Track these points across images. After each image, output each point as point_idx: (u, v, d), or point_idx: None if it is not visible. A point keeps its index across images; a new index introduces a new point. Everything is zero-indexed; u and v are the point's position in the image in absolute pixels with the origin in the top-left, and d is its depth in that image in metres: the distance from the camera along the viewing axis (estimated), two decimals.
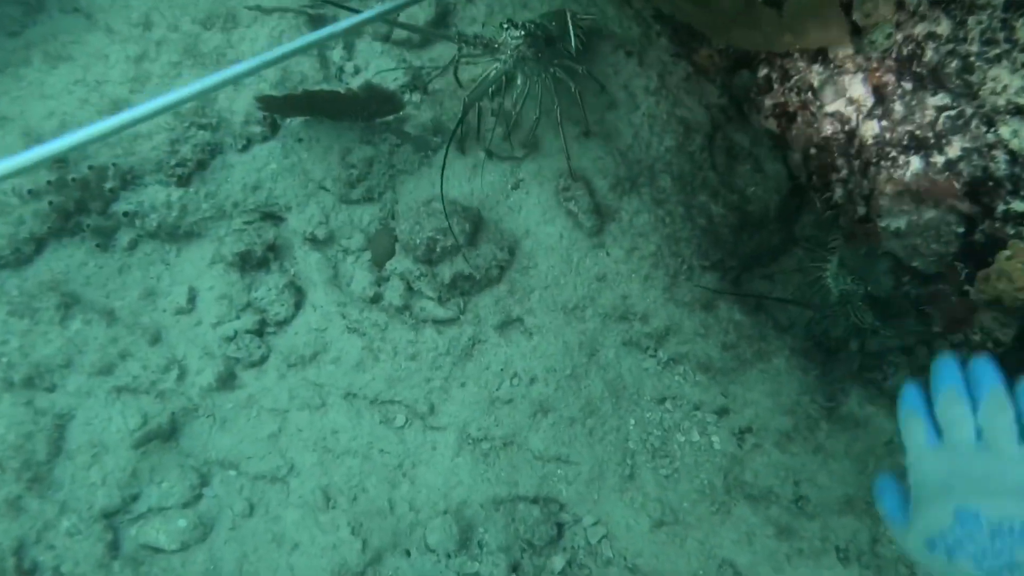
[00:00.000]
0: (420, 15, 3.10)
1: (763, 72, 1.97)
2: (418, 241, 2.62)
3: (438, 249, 2.63)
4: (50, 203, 2.61)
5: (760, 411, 2.64)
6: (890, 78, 1.63)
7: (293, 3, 3.11)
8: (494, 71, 2.66)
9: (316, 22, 3.12)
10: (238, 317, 2.70)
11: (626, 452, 2.66)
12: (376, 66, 3.06)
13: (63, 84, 2.84)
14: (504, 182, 2.89)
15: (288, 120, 2.91)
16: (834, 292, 2.61)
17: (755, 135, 3.12)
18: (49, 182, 2.60)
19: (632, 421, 2.69)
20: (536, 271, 2.75)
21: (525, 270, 2.75)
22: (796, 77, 1.86)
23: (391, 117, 2.87)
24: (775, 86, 1.95)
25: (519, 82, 2.71)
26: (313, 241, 2.81)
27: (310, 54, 3.05)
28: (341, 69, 3.09)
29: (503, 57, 2.64)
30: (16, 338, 2.50)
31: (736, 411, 2.67)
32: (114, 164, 2.68)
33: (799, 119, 1.92)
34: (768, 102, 2.00)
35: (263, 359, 2.66)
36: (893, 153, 1.66)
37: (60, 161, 2.63)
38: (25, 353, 2.49)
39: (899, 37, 1.56)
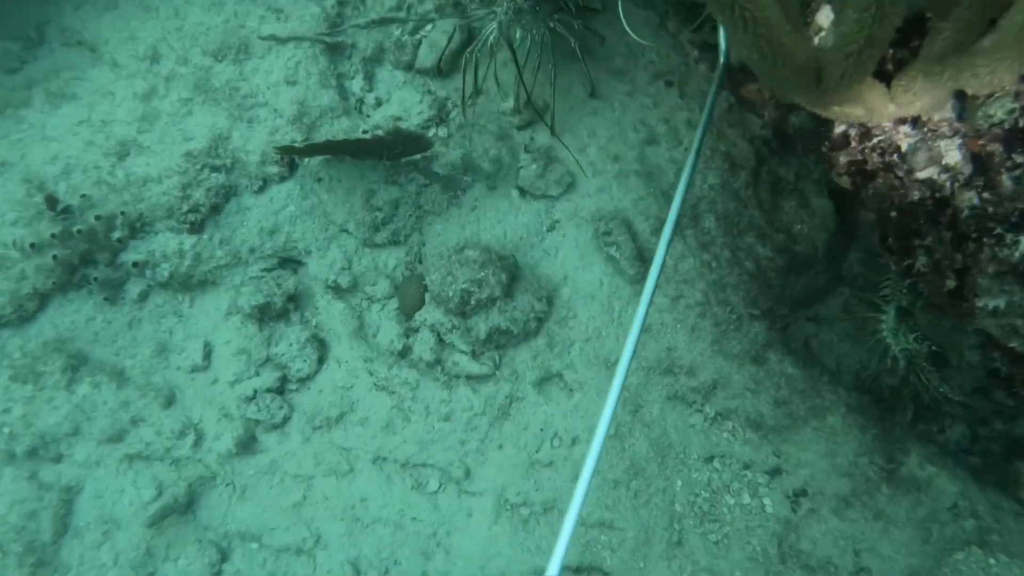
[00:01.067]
0: (444, 44, 2.92)
1: (840, 129, 1.80)
2: (451, 293, 2.44)
3: (472, 301, 2.45)
4: (54, 257, 2.42)
5: (816, 472, 2.48)
6: (997, 148, 1.46)
7: (309, 31, 2.92)
8: (493, 28, 2.53)
9: (333, 51, 2.93)
10: (257, 374, 2.53)
11: (673, 516, 2.50)
12: (399, 98, 2.88)
13: (67, 125, 2.65)
14: (539, 223, 2.72)
15: (307, 159, 2.73)
16: (894, 350, 2.45)
17: (800, 168, 2.95)
18: (53, 235, 2.42)
19: (679, 482, 2.52)
20: (576, 322, 2.58)
21: (564, 321, 2.58)
22: (880, 137, 1.70)
23: (418, 156, 2.69)
24: (853, 143, 1.78)
25: (518, 36, 2.57)
26: (336, 289, 2.63)
27: (328, 85, 2.86)
28: (361, 101, 2.90)
29: (500, 10, 2.51)
30: (19, 406, 2.33)
31: (790, 472, 2.51)
32: (122, 212, 2.50)
33: (880, 180, 1.75)
34: (844, 159, 1.84)
35: (285, 420, 2.49)
36: (998, 230, 1.50)
37: (64, 213, 2.45)
38: (29, 422, 2.32)
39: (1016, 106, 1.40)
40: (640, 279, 2.63)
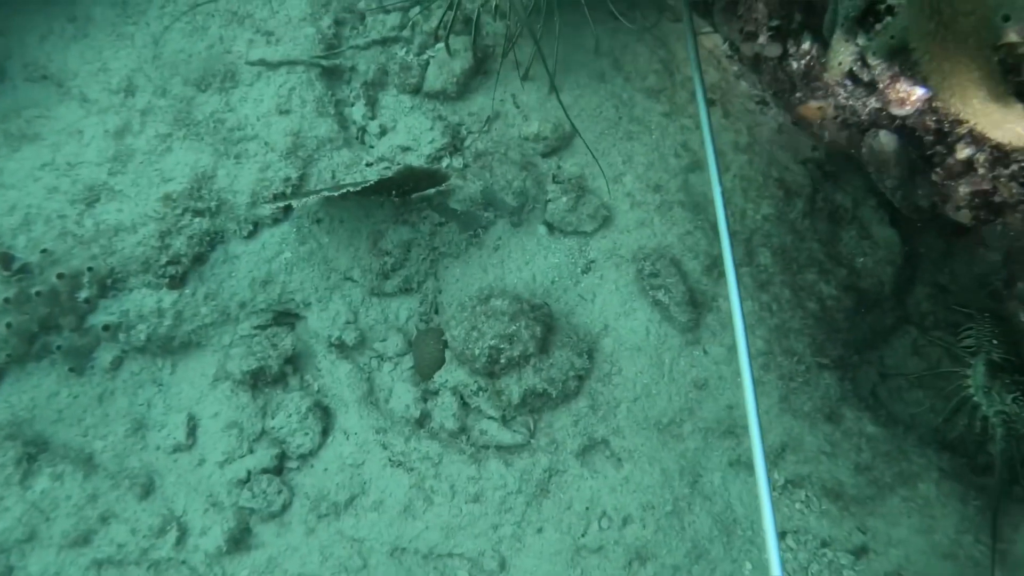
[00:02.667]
0: (456, 65, 2.60)
1: (964, 153, 1.47)
2: (477, 351, 2.09)
3: (503, 360, 2.10)
4: (8, 325, 2.06)
5: (911, 553, 2.11)
6: None
7: (303, 54, 2.59)
8: None
9: (331, 75, 2.60)
10: (251, 451, 2.16)
11: None
12: (406, 125, 2.55)
13: (27, 169, 2.30)
14: (572, 264, 2.37)
15: (302, 200, 2.39)
16: (986, 411, 2.10)
17: (856, 193, 2.63)
18: (7, 299, 2.05)
19: (748, 565, 2.15)
20: (621, 379, 2.22)
21: (608, 378, 2.22)
22: (1021, 164, 1.36)
23: (432, 191, 2.36)
24: (980, 170, 1.45)
25: None
26: (340, 347, 2.27)
27: (326, 113, 2.52)
28: (364, 129, 2.57)
29: None
30: None
31: (879, 552, 2.14)
32: (90, 268, 2.14)
33: (1017, 215, 1.42)
34: (965, 189, 1.51)
35: (285, 507, 2.11)
36: None
37: (20, 272, 2.09)
38: None
39: None
40: (694, 326, 2.28)
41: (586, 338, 2.25)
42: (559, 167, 2.47)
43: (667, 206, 2.42)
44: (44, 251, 2.16)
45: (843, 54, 1.65)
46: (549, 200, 2.39)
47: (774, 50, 2.30)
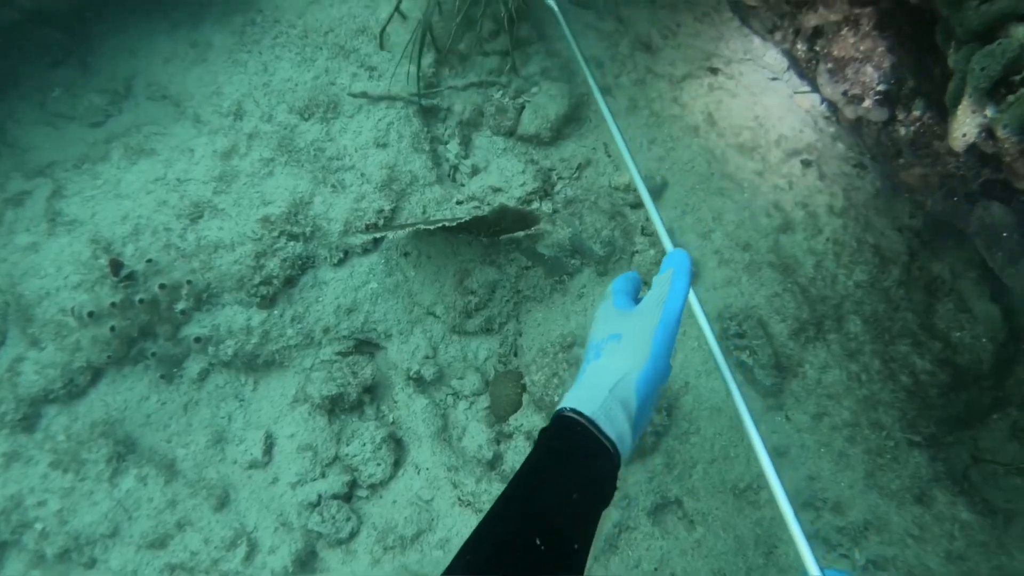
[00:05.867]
0: (551, 110, 2.64)
1: None
2: (556, 398, 2.07)
3: None
4: (112, 328, 2.16)
5: None
6: None
7: (403, 91, 2.68)
8: None
9: (428, 113, 2.68)
10: (323, 475, 2.18)
11: None
12: (498, 167, 2.59)
13: (141, 182, 2.42)
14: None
15: (393, 232, 2.44)
16: None
17: (957, 264, 2.53)
18: (113, 304, 2.15)
19: None
20: (699, 438, 2.17)
21: (685, 437, 2.17)
22: None
23: (521, 233, 2.38)
24: None
25: None
26: (418, 381, 2.29)
27: (421, 149, 2.59)
28: (456, 168, 2.62)
29: None
30: (56, 499, 2.02)
31: None
32: (188, 281, 2.23)
33: None
34: None
35: (352, 535, 2.12)
36: None
37: (127, 279, 2.19)
38: (64, 519, 2.00)
39: None
40: (777, 391, 2.22)
41: (666, 394, 2.21)
42: (647, 219, 2.46)
43: (756, 266, 2.37)
44: (149, 261, 2.26)
45: (968, 125, 1.61)
46: (636, 251, 2.38)
47: (880, 114, 2.26)
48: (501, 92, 2.73)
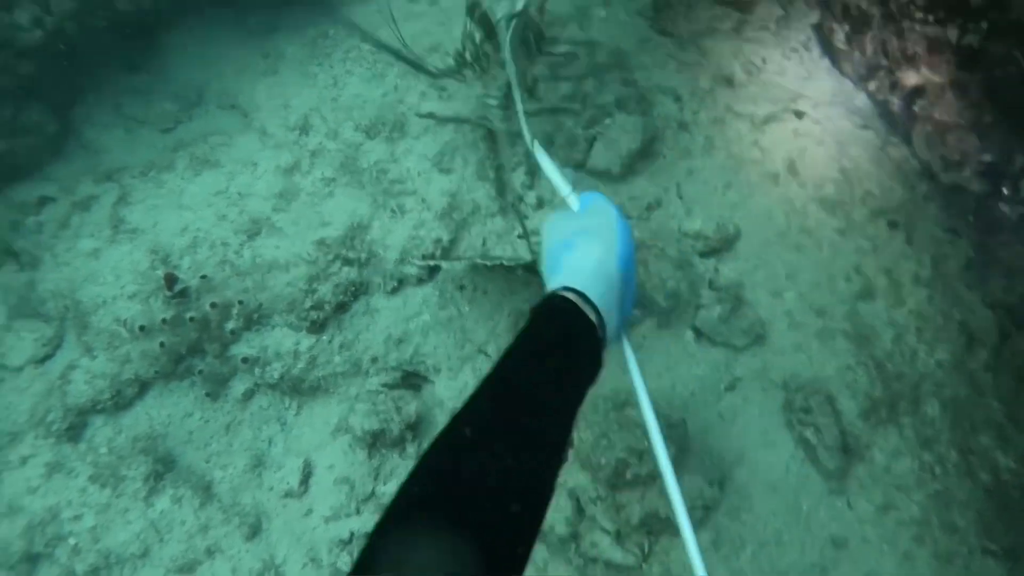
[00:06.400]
0: (623, 144, 2.52)
1: None
2: (603, 461, 1.97)
3: (629, 475, 1.97)
4: (162, 344, 2.15)
5: None
6: None
7: (472, 113, 2.60)
8: None
9: (495, 138, 2.59)
10: (358, 512, 2.13)
11: None
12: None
13: (204, 195, 2.41)
14: (716, 378, 2.22)
15: (451, 262, 2.37)
16: None
17: None
18: (164, 320, 2.14)
19: None
20: (751, 516, 2.04)
21: (736, 513, 2.05)
22: None
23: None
24: None
25: None
26: None
27: (485, 177, 2.51)
28: (520, 199, 2.53)
29: None
30: (92, 514, 2.02)
31: None
32: (240, 302, 2.20)
33: None
34: None
35: None
36: None
37: (180, 296, 2.18)
38: (97, 536, 2.00)
39: None
40: (841, 474, 2.07)
41: (719, 464, 2.08)
42: (717, 270, 2.33)
43: (829, 334, 2.22)
44: (203, 277, 2.24)
45: None
46: (701, 306, 2.25)
47: (982, 186, 2.08)
48: (574, 121, 2.62)
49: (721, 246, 2.37)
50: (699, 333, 2.27)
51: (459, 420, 0.80)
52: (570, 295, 0.96)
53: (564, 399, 0.90)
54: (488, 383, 0.87)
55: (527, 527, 0.76)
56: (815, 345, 2.21)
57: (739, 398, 2.18)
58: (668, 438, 1.98)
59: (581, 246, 1.05)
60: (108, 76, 2.85)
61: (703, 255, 2.37)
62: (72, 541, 1.99)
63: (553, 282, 1.01)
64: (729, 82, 2.74)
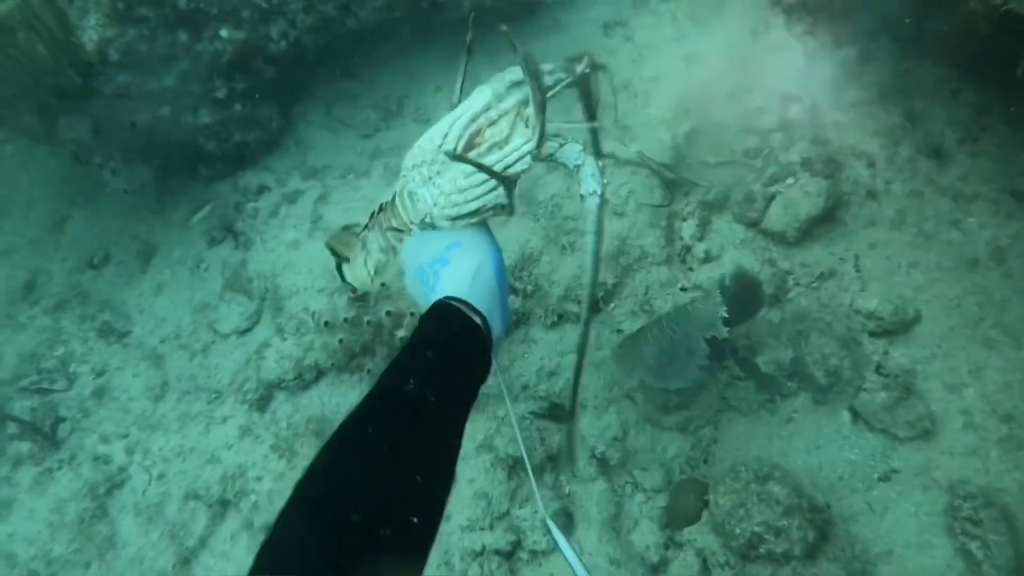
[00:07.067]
0: (803, 207, 2.45)
1: None
2: (738, 531, 1.95)
3: (761, 550, 1.94)
4: (340, 340, 2.38)
5: None
6: None
7: (652, 158, 2.62)
8: None
9: (670, 185, 2.60)
10: (491, 528, 2.25)
11: None
12: (733, 259, 2.47)
13: None
14: (870, 465, 2.12)
15: (611, 305, 2.43)
16: None
17: None
18: (346, 319, 2.38)
19: None
20: None
21: None
22: None
23: (743, 327, 2.25)
24: None
25: None
26: (601, 462, 2.27)
27: (656, 225, 2.54)
28: (688, 249, 2.53)
29: None
30: (269, 479, 2.30)
31: None
32: (411, 313, 2.39)
33: None
34: None
35: None
36: None
37: (360, 299, 2.40)
38: (272, 500, 2.27)
39: None
40: None
41: (863, 556, 1.99)
42: (887, 353, 2.22)
43: (1014, 443, 2.05)
44: (383, 285, 2.46)
45: None
46: (864, 388, 2.15)
47: None
48: (754, 176, 2.58)
49: (896, 329, 2.24)
50: (857, 415, 2.18)
51: (358, 413, 0.87)
52: (454, 302, 1.03)
53: (457, 398, 0.97)
54: (383, 382, 0.93)
55: (421, 524, 0.84)
56: (995, 453, 2.05)
57: (894, 491, 2.07)
58: (809, 525, 1.93)
59: (456, 259, 1.10)
60: (325, 79, 3.16)
61: (874, 335, 2.26)
62: (253, 498, 2.27)
63: (432, 294, 1.07)
64: (936, 152, 2.56)
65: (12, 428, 2.49)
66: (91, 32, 2.56)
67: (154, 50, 2.63)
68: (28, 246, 2.95)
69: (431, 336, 1.01)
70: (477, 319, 1.04)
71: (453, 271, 1.10)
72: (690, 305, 2.16)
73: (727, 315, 2.05)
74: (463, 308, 1.04)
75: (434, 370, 0.95)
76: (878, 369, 2.19)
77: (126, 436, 2.47)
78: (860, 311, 2.29)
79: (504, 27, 0.96)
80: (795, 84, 2.75)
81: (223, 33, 2.70)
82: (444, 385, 0.95)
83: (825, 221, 2.48)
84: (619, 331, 2.38)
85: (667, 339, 2.14)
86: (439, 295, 1.06)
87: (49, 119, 2.63)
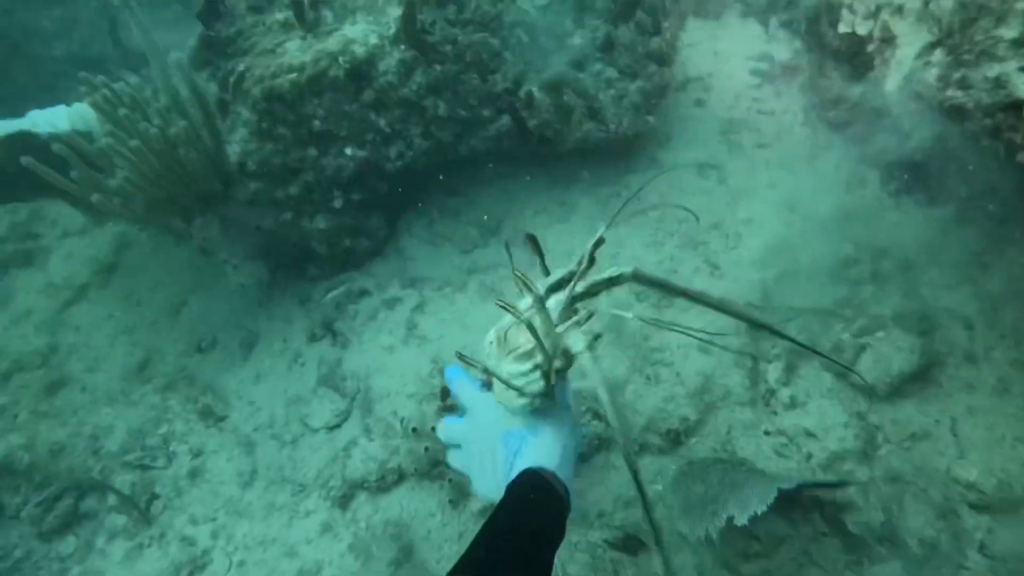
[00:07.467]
0: (895, 362, 2.44)
1: None
2: None
3: None
4: (426, 449, 2.47)
5: None
6: None
7: (739, 298, 2.69)
8: None
9: (757, 330, 2.64)
10: None
11: None
12: (818, 407, 2.46)
13: (485, 320, 2.75)
14: None
15: (693, 439, 2.44)
16: None
17: None
18: (433, 428, 2.46)
19: None
20: None
21: None
22: None
23: (825, 489, 2.22)
24: None
25: None
26: None
27: (742, 365, 2.57)
28: (772, 393, 2.54)
29: None
30: None
31: None
32: None
33: None
34: None
35: None
36: None
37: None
38: None
39: None
40: None
41: None
42: (991, 532, 2.13)
43: None
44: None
45: None
46: (966, 568, 2.06)
47: None
48: (843, 326, 2.60)
49: (1002, 506, 2.16)
50: None
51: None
52: (546, 475, 1.20)
53: (543, 562, 1.12)
54: (477, 549, 1.09)
55: None
56: None
57: None
58: None
59: (542, 431, 1.27)
60: (430, 194, 3.39)
61: (975, 508, 2.18)
62: None
63: (520, 463, 1.22)
64: None
65: (112, 500, 2.64)
66: (235, 146, 2.87)
67: (285, 164, 2.91)
68: (147, 327, 3.20)
69: (524, 508, 1.17)
70: (561, 489, 1.21)
71: (542, 442, 1.27)
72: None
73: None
74: (552, 481, 1.21)
75: (526, 542, 1.12)
76: (982, 549, 2.10)
77: (214, 519, 2.58)
78: (959, 480, 2.22)
79: (530, 233, 1.34)
80: (887, 238, 2.80)
81: (347, 151, 2.97)
82: (535, 556, 1.13)
83: (918, 379, 2.46)
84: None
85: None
86: (530, 464, 1.22)
87: (188, 218, 2.92)
